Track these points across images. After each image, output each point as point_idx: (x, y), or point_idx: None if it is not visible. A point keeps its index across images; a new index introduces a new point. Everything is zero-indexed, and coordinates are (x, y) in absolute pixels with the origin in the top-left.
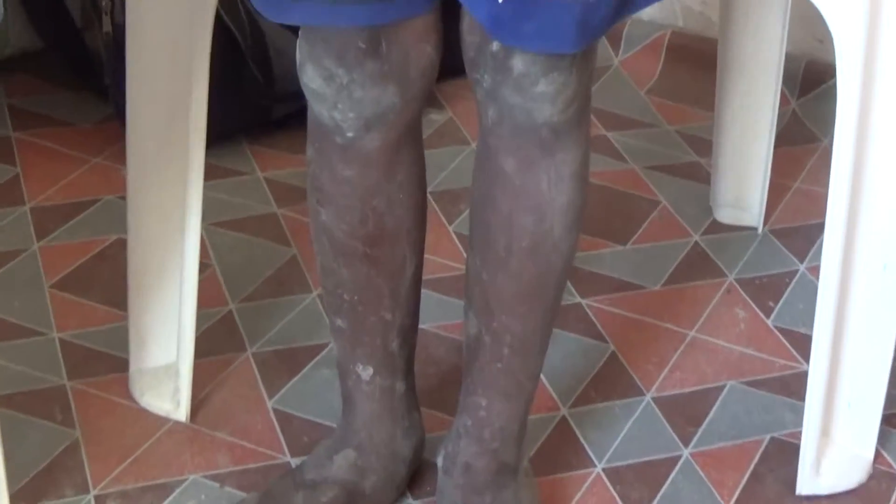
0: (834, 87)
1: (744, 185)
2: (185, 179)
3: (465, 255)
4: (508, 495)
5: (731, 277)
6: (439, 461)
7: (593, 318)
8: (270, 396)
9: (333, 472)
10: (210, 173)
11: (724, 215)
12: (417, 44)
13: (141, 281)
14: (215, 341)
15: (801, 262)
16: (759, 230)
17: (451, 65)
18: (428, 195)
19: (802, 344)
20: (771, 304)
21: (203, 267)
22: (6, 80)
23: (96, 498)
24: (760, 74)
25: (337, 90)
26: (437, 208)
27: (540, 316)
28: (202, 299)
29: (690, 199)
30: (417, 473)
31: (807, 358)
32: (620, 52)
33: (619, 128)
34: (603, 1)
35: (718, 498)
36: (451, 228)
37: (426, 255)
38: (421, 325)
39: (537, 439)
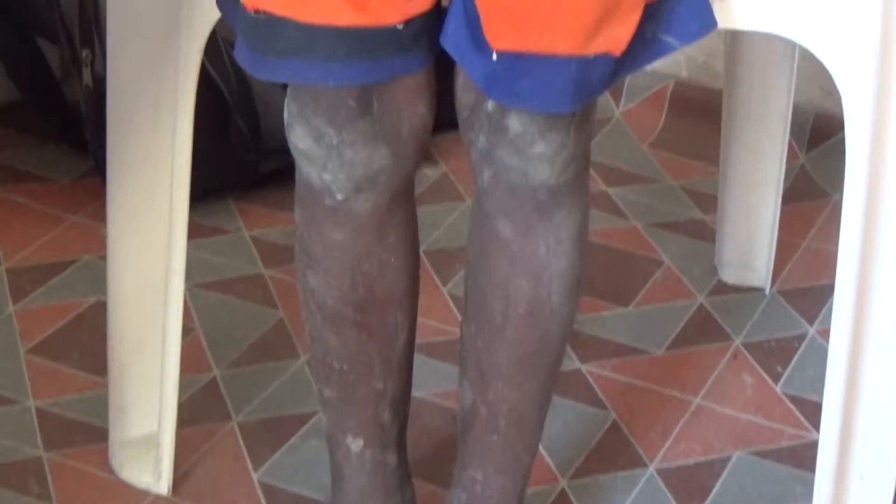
0: (844, 139)
1: (750, 244)
2: (168, 238)
3: (459, 318)
4: None
5: (737, 341)
6: None
7: (594, 384)
8: (256, 468)
9: None
10: (194, 231)
11: (730, 275)
12: (410, 103)
13: (121, 346)
14: (199, 410)
15: (811, 324)
16: (767, 291)
17: (445, 118)
18: (421, 255)
19: (813, 412)
20: (779, 369)
21: (186, 331)
22: None
23: None
24: (767, 127)
25: (327, 151)
26: (430, 269)
27: (538, 385)
28: (185, 365)
29: (695, 258)
30: None
31: (817, 426)
32: (622, 103)
33: (620, 183)
34: (601, 59)
35: None
36: (445, 290)
37: (419, 319)
38: (414, 393)
39: None
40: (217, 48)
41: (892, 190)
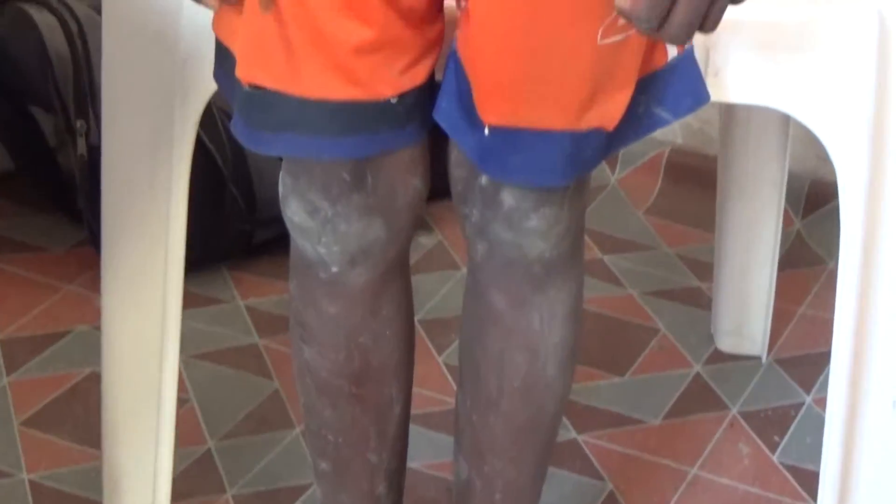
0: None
1: (746, 312)
2: (162, 308)
3: (455, 387)
4: None
5: (734, 410)
6: None
7: (590, 454)
8: None
9: None
10: (188, 301)
11: (726, 344)
12: (404, 176)
13: (115, 418)
14: (194, 482)
15: (808, 393)
16: (763, 359)
17: (440, 187)
18: (416, 324)
19: (810, 481)
20: (776, 438)
21: (181, 402)
22: None
23: None
24: (763, 193)
25: (321, 224)
26: (426, 338)
27: (533, 459)
28: (180, 437)
29: (691, 326)
30: None
31: (815, 496)
32: (617, 170)
33: (615, 251)
34: (594, 133)
35: None
36: (440, 360)
37: (414, 389)
38: (409, 464)
39: None
40: (212, 118)
41: (887, 257)
